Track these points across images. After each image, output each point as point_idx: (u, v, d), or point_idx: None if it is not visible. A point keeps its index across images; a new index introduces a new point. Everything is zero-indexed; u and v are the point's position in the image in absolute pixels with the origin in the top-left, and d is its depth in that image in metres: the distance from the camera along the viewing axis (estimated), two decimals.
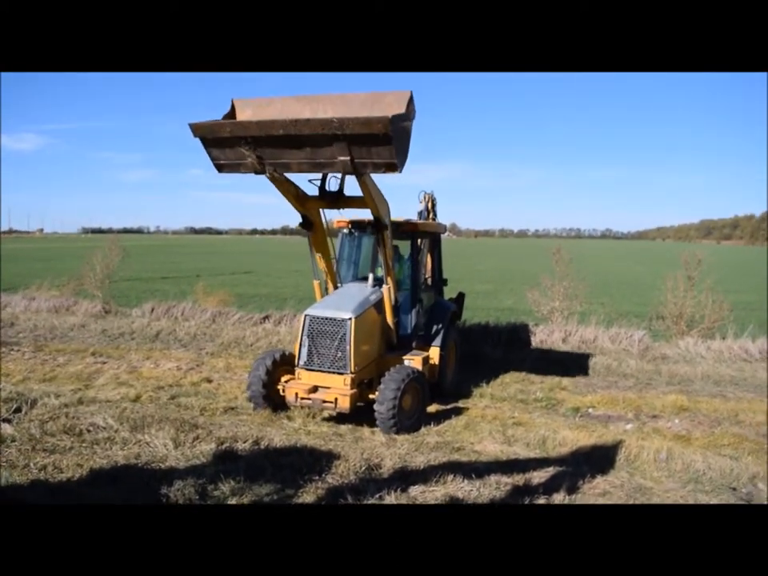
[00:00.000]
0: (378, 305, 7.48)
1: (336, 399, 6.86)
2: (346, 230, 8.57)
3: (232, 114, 6.60)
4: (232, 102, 6.66)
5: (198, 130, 6.09)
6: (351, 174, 6.05)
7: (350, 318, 6.99)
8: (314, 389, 7.06)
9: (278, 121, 5.73)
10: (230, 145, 6.04)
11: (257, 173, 6.24)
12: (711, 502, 5.13)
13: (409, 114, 5.81)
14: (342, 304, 7.21)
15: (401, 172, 5.75)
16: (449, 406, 8.09)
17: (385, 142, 5.40)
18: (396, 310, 7.78)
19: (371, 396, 7.06)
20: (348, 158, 5.65)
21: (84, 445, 6.03)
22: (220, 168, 6.38)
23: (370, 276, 7.83)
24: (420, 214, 10.00)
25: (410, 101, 5.86)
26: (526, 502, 4.95)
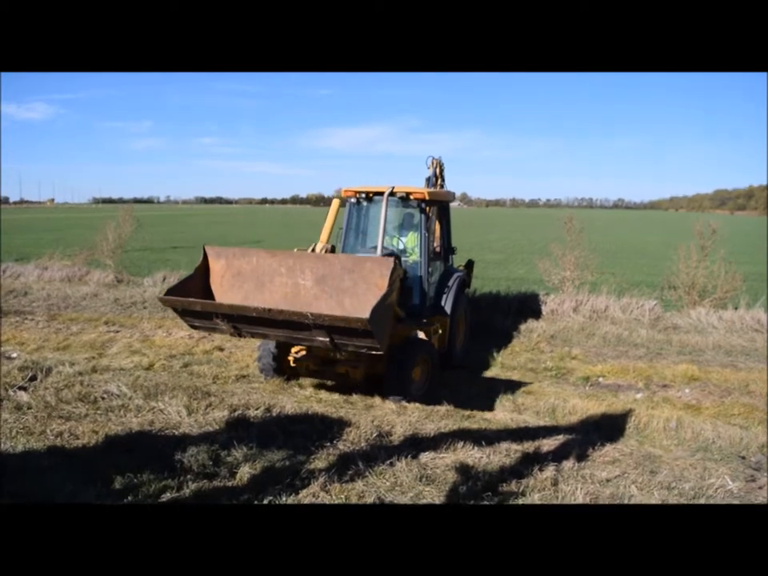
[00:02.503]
0: None
1: (347, 371, 6.89)
2: (353, 200, 8.49)
3: (205, 261, 6.60)
4: (204, 249, 6.65)
5: (167, 303, 6.07)
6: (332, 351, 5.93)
7: None
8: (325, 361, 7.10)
9: (251, 307, 5.65)
10: (203, 315, 6.02)
11: (233, 336, 6.26)
12: (720, 470, 5.16)
13: (391, 287, 5.67)
14: None
15: (384, 352, 5.70)
16: (459, 375, 8.13)
17: (365, 334, 5.32)
18: (404, 281, 7.78)
19: (381, 368, 7.08)
20: (327, 339, 5.57)
21: (99, 412, 6.11)
22: (194, 328, 6.39)
23: (379, 246, 7.78)
24: (428, 180, 9.93)
25: (394, 269, 5.70)
26: (535, 470, 4.99)
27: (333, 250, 6.86)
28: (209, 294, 6.58)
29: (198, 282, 6.52)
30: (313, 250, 6.83)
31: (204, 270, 6.65)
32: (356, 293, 5.97)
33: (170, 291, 6.19)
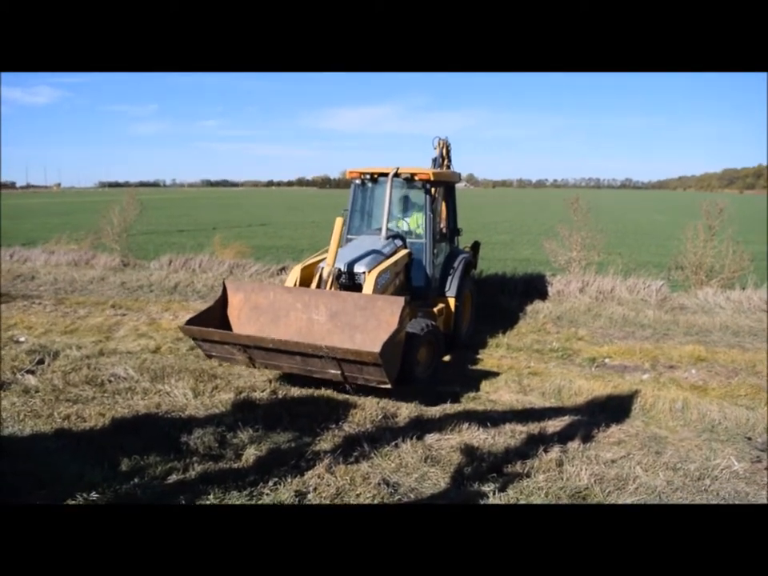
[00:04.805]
0: (392, 258, 7.41)
1: None
2: (358, 181, 8.45)
3: (224, 294, 6.95)
4: (224, 284, 7.05)
5: (187, 332, 6.41)
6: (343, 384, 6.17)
7: (364, 273, 6.97)
8: None
9: (267, 339, 5.96)
10: (220, 344, 6.30)
11: (248, 366, 6.51)
12: (726, 451, 5.16)
13: (402, 324, 5.90)
14: (356, 258, 7.16)
15: (393, 388, 5.87)
16: (464, 357, 8.12)
17: (375, 368, 5.56)
18: (410, 263, 7.77)
19: None
20: (339, 371, 5.80)
21: (106, 395, 6.16)
22: (210, 357, 6.69)
23: (383, 228, 7.76)
24: (434, 160, 9.88)
25: (404, 308, 5.92)
26: (540, 451, 5.00)
27: (339, 273, 6.92)
28: (226, 326, 6.86)
29: (217, 314, 6.85)
30: (319, 281, 6.82)
31: (223, 302, 6.98)
32: (367, 329, 6.23)
33: (191, 321, 6.46)
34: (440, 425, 5.57)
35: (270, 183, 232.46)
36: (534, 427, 5.62)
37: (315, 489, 4.33)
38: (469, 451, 5.02)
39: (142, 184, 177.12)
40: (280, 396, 6.26)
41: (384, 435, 5.28)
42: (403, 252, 7.64)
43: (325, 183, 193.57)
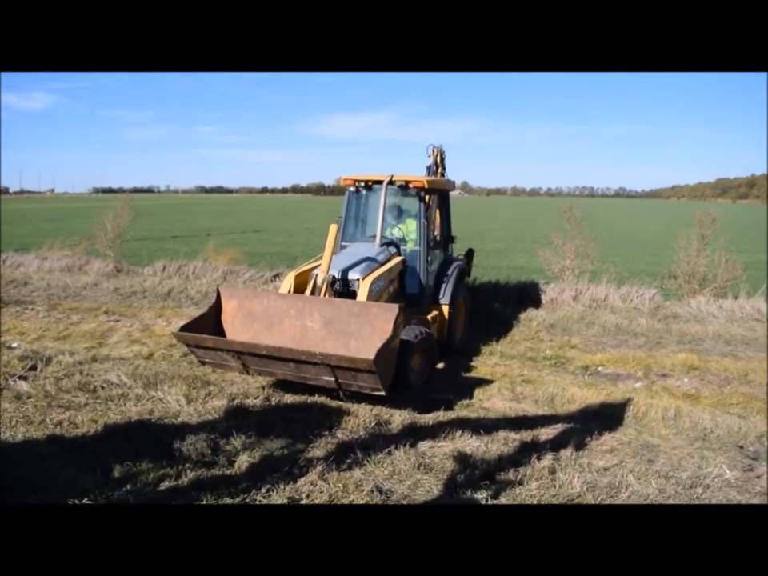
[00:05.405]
0: (386, 265, 7.43)
1: None
2: (352, 188, 8.47)
3: (218, 301, 6.95)
4: (218, 290, 7.05)
5: (180, 339, 6.43)
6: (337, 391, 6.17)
7: (358, 280, 6.98)
8: None
9: (261, 345, 5.99)
10: (214, 350, 6.30)
11: (241, 373, 6.52)
12: (718, 459, 5.17)
13: (396, 332, 5.92)
14: (350, 265, 7.18)
15: (387, 395, 5.86)
16: (458, 364, 8.13)
17: (369, 374, 5.57)
18: (404, 270, 7.78)
19: None
20: (333, 378, 5.80)
21: (98, 401, 6.14)
22: (204, 364, 6.70)
23: (378, 235, 7.78)
24: (429, 168, 9.91)
25: (398, 315, 5.94)
26: (533, 459, 5.01)
27: (334, 280, 6.93)
28: (220, 332, 6.85)
29: (211, 320, 6.84)
30: (313, 288, 6.82)
31: (217, 309, 6.97)
32: (361, 336, 6.23)
33: (184, 327, 6.46)
34: (433, 432, 5.57)
35: (265, 190, 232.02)
36: (526, 435, 5.63)
37: (308, 496, 4.32)
38: (462, 458, 5.02)
39: (136, 190, 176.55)
40: (273, 403, 6.26)
41: (377, 442, 5.28)
42: (397, 259, 7.66)
43: (319, 190, 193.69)
